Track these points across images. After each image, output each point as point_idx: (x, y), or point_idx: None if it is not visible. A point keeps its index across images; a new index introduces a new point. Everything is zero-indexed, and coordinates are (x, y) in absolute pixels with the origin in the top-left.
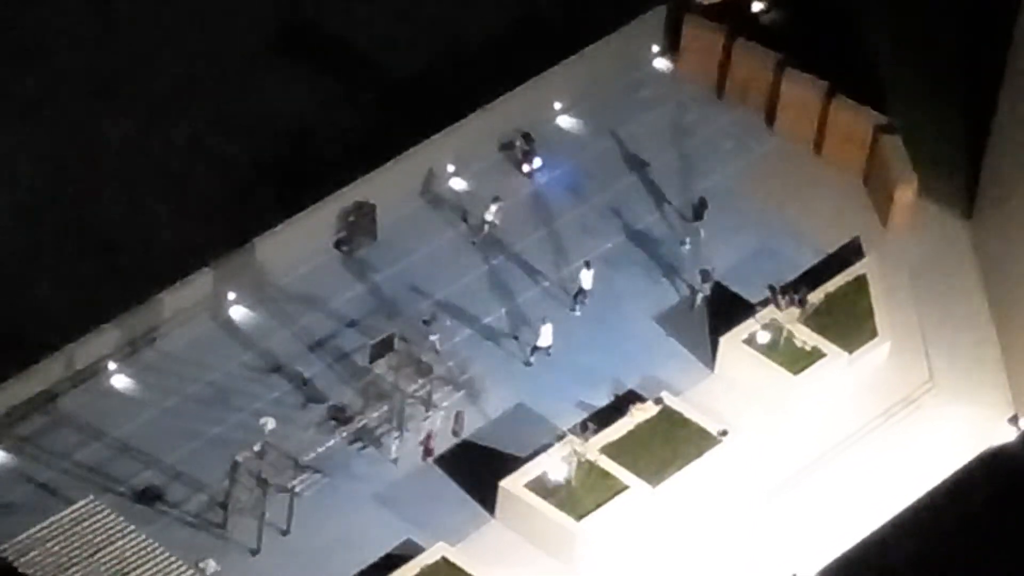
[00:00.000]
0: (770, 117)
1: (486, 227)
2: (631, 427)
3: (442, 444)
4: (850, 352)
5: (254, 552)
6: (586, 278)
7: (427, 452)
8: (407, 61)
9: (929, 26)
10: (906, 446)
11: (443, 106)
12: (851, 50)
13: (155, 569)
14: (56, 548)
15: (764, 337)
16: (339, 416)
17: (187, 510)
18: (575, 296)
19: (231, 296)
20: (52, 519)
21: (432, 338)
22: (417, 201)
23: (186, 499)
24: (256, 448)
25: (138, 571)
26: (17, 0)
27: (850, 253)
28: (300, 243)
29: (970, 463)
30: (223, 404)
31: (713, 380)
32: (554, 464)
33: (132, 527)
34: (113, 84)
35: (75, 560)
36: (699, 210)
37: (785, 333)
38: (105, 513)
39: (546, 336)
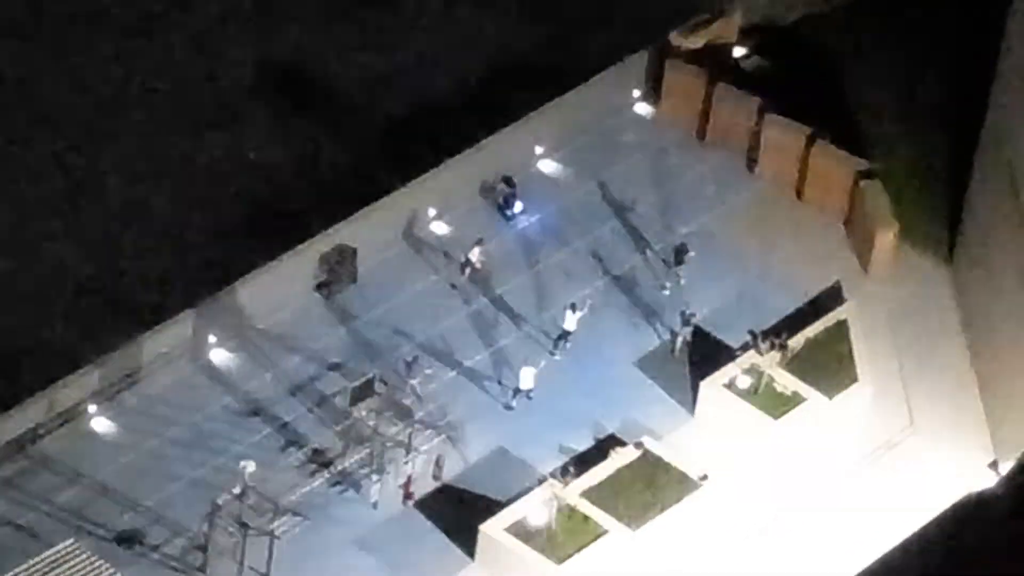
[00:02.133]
0: (751, 162)
1: (467, 270)
2: (612, 471)
3: (422, 488)
4: (831, 397)
5: None
6: (570, 320)
7: (407, 496)
8: (389, 104)
9: (910, 72)
10: (887, 490)
11: (425, 149)
12: (832, 95)
13: None
14: None
15: (745, 382)
16: (319, 459)
17: (167, 553)
18: (557, 339)
19: (212, 339)
20: (32, 562)
21: (413, 381)
22: (398, 244)
23: (166, 542)
24: (236, 491)
25: None
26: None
27: (831, 298)
28: (281, 286)
29: (951, 507)
30: (203, 447)
31: (694, 424)
32: (535, 508)
33: (112, 570)
34: (92, 125)
35: None
36: (679, 256)
37: (766, 378)
38: (85, 556)
39: (527, 379)
